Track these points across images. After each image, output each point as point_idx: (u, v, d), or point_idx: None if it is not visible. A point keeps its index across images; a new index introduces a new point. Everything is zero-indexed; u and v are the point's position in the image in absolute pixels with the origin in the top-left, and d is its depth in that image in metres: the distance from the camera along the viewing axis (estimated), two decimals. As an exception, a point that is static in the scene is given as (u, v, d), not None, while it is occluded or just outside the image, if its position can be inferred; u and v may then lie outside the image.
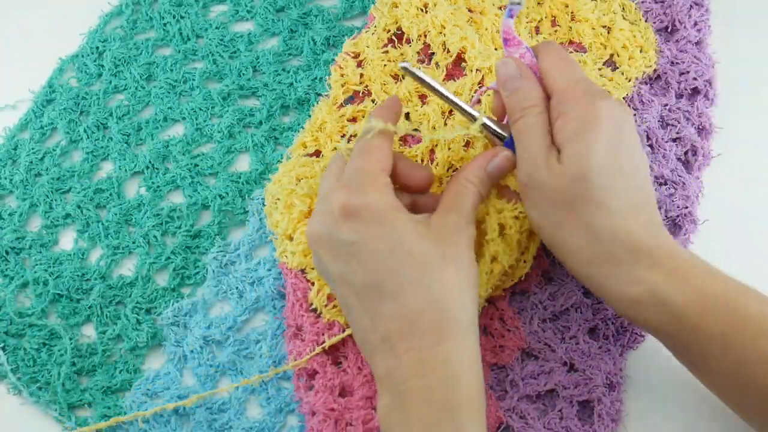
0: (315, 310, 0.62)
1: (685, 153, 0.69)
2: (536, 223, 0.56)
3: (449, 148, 0.66)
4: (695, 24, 0.73)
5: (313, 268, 0.62)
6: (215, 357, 0.62)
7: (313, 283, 0.62)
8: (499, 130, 0.59)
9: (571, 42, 0.72)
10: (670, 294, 0.51)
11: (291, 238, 0.63)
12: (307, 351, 0.61)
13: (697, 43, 0.73)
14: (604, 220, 0.53)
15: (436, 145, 0.67)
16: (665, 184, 0.68)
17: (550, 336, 0.62)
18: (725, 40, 0.75)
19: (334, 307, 0.61)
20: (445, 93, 0.58)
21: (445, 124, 0.68)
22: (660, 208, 0.66)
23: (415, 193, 0.59)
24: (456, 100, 0.59)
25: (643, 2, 0.74)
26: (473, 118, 0.58)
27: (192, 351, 0.62)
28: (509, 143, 0.58)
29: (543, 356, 0.62)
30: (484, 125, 0.58)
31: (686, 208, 0.66)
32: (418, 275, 0.51)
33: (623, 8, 0.73)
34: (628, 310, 0.54)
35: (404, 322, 0.51)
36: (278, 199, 0.63)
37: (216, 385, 0.61)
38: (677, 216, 0.67)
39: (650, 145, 0.69)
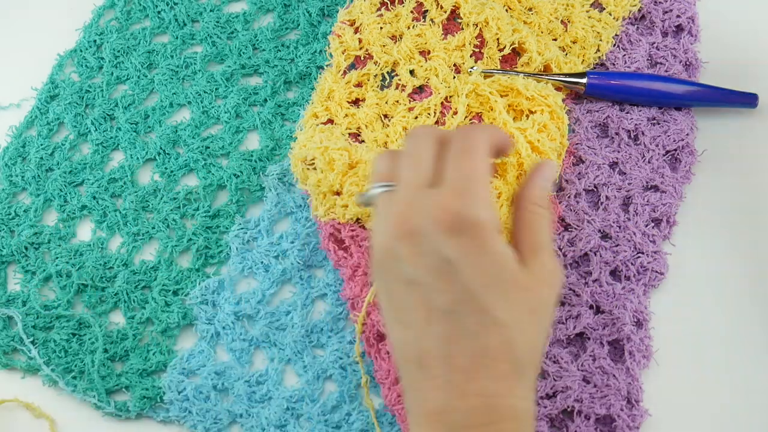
0: None
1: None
2: None
3: (467, 96, 0.66)
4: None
5: (368, 216, 0.61)
6: (247, 332, 0.63)
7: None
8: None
9: None
10: None
11: (338, 193, 0.62)
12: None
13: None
14: None
15: (451, 96, 0.68)
16: (658, 123, 0.69)
17: (573, 281, 0.63)
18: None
19: None
20: (530, 74, 0.66)
21: (454, 77, 0.69)
22: (658, 145, 0.68)
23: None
24: (550, 77, 0.66)
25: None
26: (577, 84, 0.67)
27: (224, 327, 0.62)
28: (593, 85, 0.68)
29: (569, 301, 0.63)
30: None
31: (682, 140, 0.68)
32: (506, 319, 0.46)
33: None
34: None
35: (478, 362, 0.46)
36: (312, 160, 0.63)
37: (251, 359, 0.62)
38: (675, 149, 0.68)
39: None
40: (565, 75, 0.69)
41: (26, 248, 0.67)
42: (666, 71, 0.71)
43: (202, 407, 0.60)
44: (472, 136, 0.50)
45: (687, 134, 0.68)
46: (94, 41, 0.76)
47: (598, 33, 0.72)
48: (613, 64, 0.72)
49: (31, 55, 0.77)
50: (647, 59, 0.72)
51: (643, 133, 0.68)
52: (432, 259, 0.47)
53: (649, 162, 0.68)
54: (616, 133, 0.69)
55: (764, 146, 0.70)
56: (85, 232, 0.69)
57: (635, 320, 0.62)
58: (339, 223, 0.62)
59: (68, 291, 0.65)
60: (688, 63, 0.72)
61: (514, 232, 0.52)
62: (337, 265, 0.63)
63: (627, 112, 0.69)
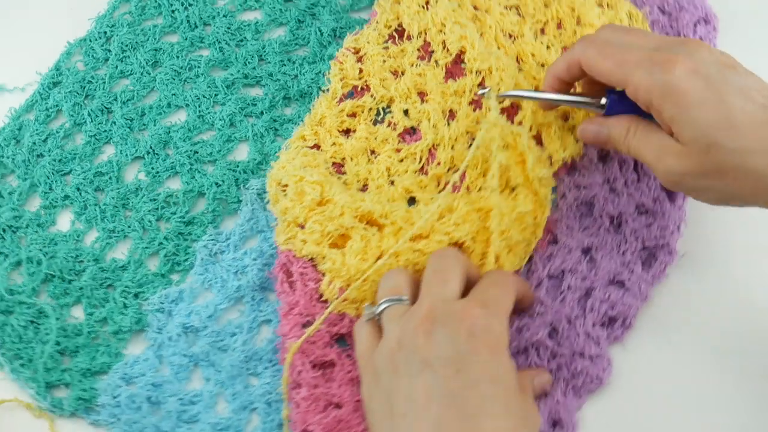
0: (326, 301, 0.61)
1: None
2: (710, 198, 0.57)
3: (452, 147, 0.65)
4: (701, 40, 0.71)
5: (324, 258, 0.61)
6: (190, 347, 0.62)
7: (323, 275, 0.61)
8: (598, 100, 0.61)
9: None
10: None
11: (302, 226, 0.62)
12: (318, 341, 0.60)
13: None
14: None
15: (438, 144, 0.66)
16: (645, 213, 0.66)
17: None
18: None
19: (345, 300, 0.60)
20: (546, 96, 0.62)
21: (447, 124, 0.67)
22: (637, 238, 0.65)
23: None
24: (566, 98, 0.62)
25: (650, 13, 0.72)
26: (598, 105, 0.61)
27: (170, 338, 0.62)
28: (614, 104, 0.60)
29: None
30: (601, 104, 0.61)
31: (663, 239, 0.65)
32: (491, 425, 0.49)
33: (630, 17, 0.72)
34: None
35: None
36: (286, 185, 0.63)
37: (189, 376, 0.61)
38: (653, 246, 0.65)
39: (636, 172, 0.67)
40: (582, 95, 0.63)
41: (4, 230, 0.68)
42: None
43: (131, 417, 0.59)
44: (504, 280, 0.57)
45: (671, 232, 0.65)
46: (105, 33, 0.76)
47: None
48: None
49: (44, 40, 0.77)
50: None
51: (626, 222, 0.65)
52: (448, 348, 0.50)
53: (622, 254, 0.65)
54: (600, 216, 0.66)
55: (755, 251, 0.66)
56: (64, 222, 0.69)
57: (552, 423, 0.60)
58: (294, 256, 0.61)
59: (35, 279, 0.66)
60: None
61: None
62: (279, 296, 0.62)
63: (617, 194, 0.66)
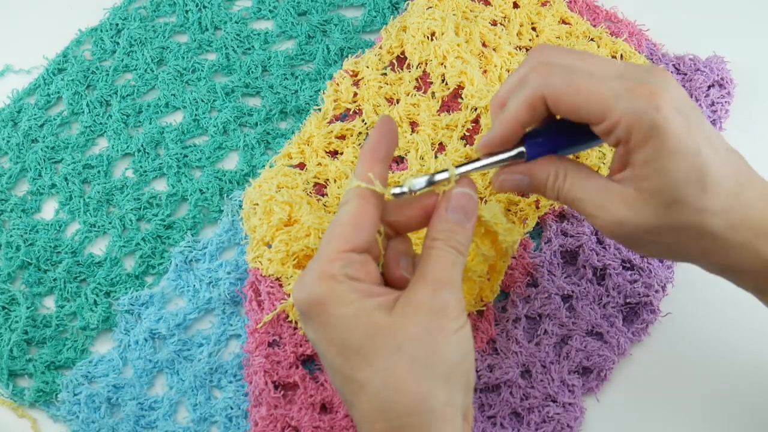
0: (291, 321, 0.62)
1: None
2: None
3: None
4: (712, 104, 0.71)
5: (288, 278, 0.61)
6: (156, 353, 0.62)
7: (289, 295, 0.61)
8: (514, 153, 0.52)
9: None
10: None
11: (268, 245, 0.62)
12: (282, 362, 0.60)
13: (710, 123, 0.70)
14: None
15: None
16: (630, 269, 0.65)
17: (475, 408, 0.61)
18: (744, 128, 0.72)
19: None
20: (477, 165, 0.52)
21: (435, 157, 0.67)
22: (619, 292, 0.64)
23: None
24: (486, 162, 0.52)
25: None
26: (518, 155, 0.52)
27: (137, 342, 0.62)
28: (534, 150, 0.52)
29: None
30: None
31: (647, 296, 0.64)
32: (367, 377, 0.46)
33: None
34: None
35: (362, 428, 0.47)
36: (257, 204, 0.63)
37: (152, 381, 0.62)
38: (636, 303, 0.64)
39: None
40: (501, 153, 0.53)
41: (-11, 212, 0.69)
42: None
43: (89, 417, 0.60)
44: (344, 209, 0.50)
45: (656, 291, 0.64)
46: (116, 24, 0.77)
47: (603, 154, 0.68)
48: None
49: (60, 26, 0.77)
50: None
51: (610, 276, 0.65)
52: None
53: (603, 307, 0.64)
54: (583, 266, 0.65)
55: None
56: (49, 210, 0.69)
57: None
58: (261, 275, 0.61)
59: (12, 264, 0.66)
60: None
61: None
62: (248, 314, 0.62)
63: (604, 246, 0.65)
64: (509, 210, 0.65)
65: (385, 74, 0.69)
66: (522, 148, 0.51)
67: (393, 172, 0.66)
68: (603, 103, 0.48)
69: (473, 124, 0.67)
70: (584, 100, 0.48)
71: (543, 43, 0.63)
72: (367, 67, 0.69)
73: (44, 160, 0.71)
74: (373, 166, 0.50)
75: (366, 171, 0.50)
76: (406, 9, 0.73)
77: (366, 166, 0.50)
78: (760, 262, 0.50)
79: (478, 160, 0.52)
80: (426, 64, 0.69)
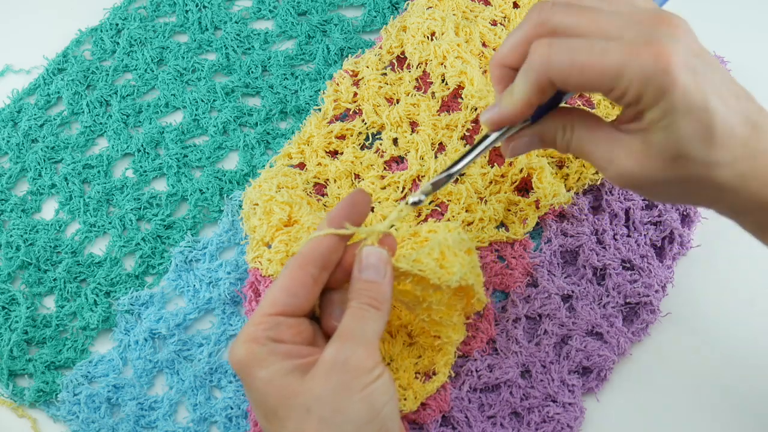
0: None
1: (663, 239, 0.66)
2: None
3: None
4: None
5: None
6: (156, 353, 0.62)
7: None
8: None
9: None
10: None
11: (268, 245, 0.62)
12: None
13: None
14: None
15: (423, 176, 0.66)
16: (630, 269, 0.65)
17: (474, 408, 0.61)
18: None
19: None
20: (463, 162, 0.52)
21: (435, 157, 0.67)
22: (619, 292, 0.64)
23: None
24: (495, 135, 0.52)
25: None
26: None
27: (137, 342, 0.62)
28: (540, 110, 0.51)
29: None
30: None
31: (647, 296, 0.64)
32: None
33: None
34: None
35: None
36: (257, 204, 0.63)
37: (152, 381, 0.62)
38: (636, 303, 0.64)
39: (627, 227, 0.66)
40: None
41: (-11, 212, 0.69)
42: (659, 217, 0.67)
43: (89, 417, 0.60)
44: (286, 268, 0.52)
45: (656, 291, 0.64)
46: (116, 24, 0.77)
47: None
48: (610, 193, 0.67)
49: (61, 25, 0.77)
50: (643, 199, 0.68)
51: (610, 275, 0.65)
52: None
53: (603, 307, 0.64)
54: (583, 266, 0.65)
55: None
56: (49, 210, 0.69)
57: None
58: (261, 275, 0.61)
59: (12, 264, 0.66)
60: (685, 213, 0.68)
61: None
62: (247, 314, 0.62)
63: (604, 247, 0.65)
64: (509, 210, 0.65)
65: (385, 74, 0.69)
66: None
67: (393, 173, 0.66)
68: (609, 76, 0.46)
69: (473, 124, 0.67)
70: (589, 78, 0.47)
71: None
72: (367, 67, 0.69)
73: (44, 160, 0.71)
74: (325, 240, 0.52)
75: (316, 242, 0.52)
76: (406, 9, 0.73)
77: (317, 240, 0.52)
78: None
79: (486, 137, 0.52)
80: (426, 63, 0.69)
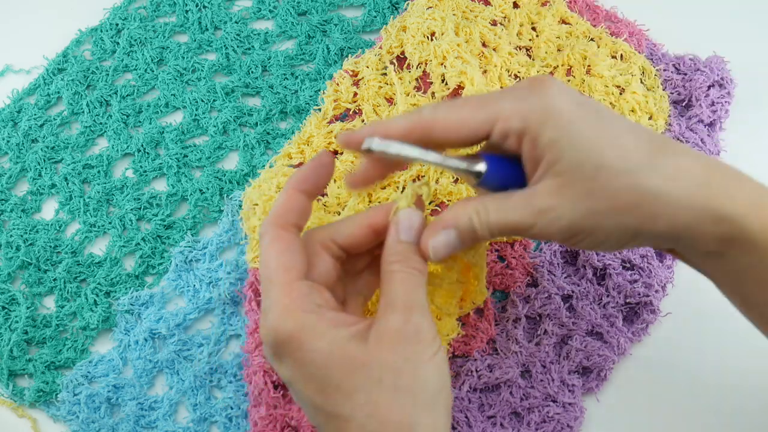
0: None
1: None
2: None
3: (437, 182, 0.65)
4: (712, 104, 0.70)
5: None
6: (156, 353, 0.62)
7: None
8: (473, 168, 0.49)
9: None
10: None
11: None
12: None
13: (709, 125, 0.70)
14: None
15: (423, 176, 0.66)
16: (630, 269, 0.65)
17: (474, 408, 0.61)
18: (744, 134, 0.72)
19: None
20: (426, 158, 0.48)
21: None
22: (619, 292, 0.64)
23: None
24: (444, 161, 0.48)
25: (665, 70, 0.71)
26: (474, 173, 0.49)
27: (137, 342, 0.62)
28: (492, 173, 0.48)
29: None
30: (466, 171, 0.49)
31: (647, 296, 0.64)
32: (349, 411, 0.45)
33: (643, 72, 0.71)
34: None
35: None
36: (257, 204, 0.63)
37: (152, 381, 0.62)
38: (636, 303, 0.64)
39: None
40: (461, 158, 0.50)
41: (-11, 212, 0.69)
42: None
43: (89, 416, 0.60)
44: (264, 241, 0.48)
45: (656, 291, 0.64)
46: (116, 24, 0.77)
47: None
48: None
49: (61, 25, 0.77)
50: None
51: (610, 276, 0.64)
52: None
53: (604, 307, 0.64)
54: (584, 266, 0.65)
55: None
56: (49, 210, 0.69)
57: None
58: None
59: (12, 264, 0.66)
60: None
61: None
62: (247, 315, 0.62)
63: None
64: None
65: (385, 74, 0.69)
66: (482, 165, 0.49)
67: (393, 172, 0.66)
68: (489, 107, 0.47)
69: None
70: (469, 112, 0.47)
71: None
72: (367, 67, 0.69)
73: (44, 160, 0.71)
74: (294, 196, 0.49)
75: (286, 199, 0.49)
76: (406, 9, 0.73)
77: (287, 194, 0.49)
78: (710, 216, 0.46)
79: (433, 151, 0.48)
80: (426, 63, 0.69)
